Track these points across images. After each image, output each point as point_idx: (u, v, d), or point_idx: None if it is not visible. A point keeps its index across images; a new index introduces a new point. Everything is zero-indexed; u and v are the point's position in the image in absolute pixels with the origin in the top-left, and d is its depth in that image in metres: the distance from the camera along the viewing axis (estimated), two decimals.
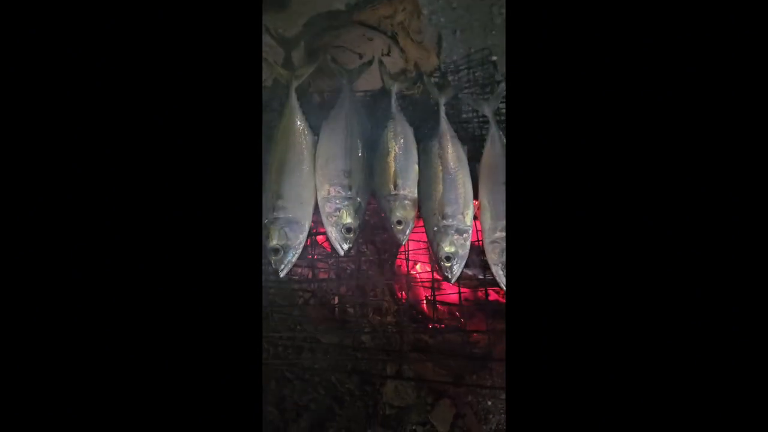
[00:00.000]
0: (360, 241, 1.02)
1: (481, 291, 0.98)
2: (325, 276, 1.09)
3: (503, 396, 1.06)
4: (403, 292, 0.99)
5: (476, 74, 1.24)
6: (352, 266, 1.08)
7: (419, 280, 1.02)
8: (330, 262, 1.06)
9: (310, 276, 1.06)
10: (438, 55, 1.23)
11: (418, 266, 1.06)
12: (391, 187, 0.89)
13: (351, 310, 1.11)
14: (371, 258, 1.02)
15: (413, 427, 1.05)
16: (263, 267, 0.87)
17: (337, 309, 1.08)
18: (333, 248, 0.89)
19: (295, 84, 0.99)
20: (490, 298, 0.94)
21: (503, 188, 0.87)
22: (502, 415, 1.05)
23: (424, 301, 1.01)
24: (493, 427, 1.04)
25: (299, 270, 1.05)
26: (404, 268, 0.97)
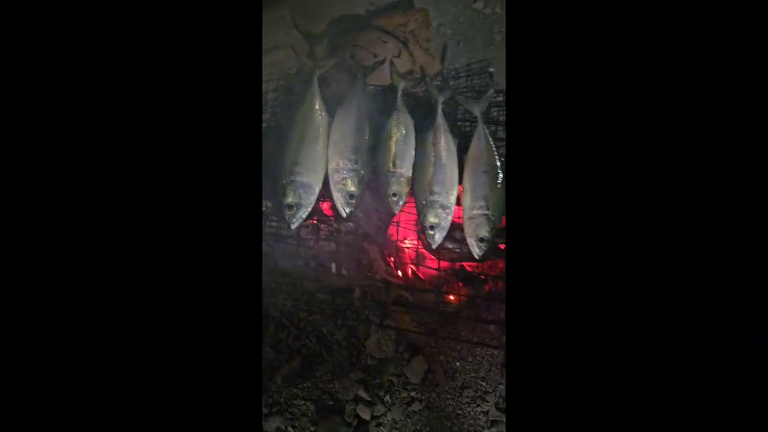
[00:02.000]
0: (360, 215, 1.19)
1: (457, 264, 1.15)
2: (326, 241, 1.26)
3: (470, 358, 1.22)
4: (392, 257, 1.16)
5: (473, 81, 1.42)
6: (351, 236, 1.25)
7: (406, 250, 1.19)
8: (332, 229, 1.22)
9: (312, 243, 1.23)
10: (442, 61, 1.40)
11: (407, 241, 1.23)
12: (390, 165, 1.06)
13: (345, 273, 1.28)
14: (367, 228, 1.19)
15: (390, 377, 1.21)
16: (270, 229, 1.03)
17: (333, 270, 1.24)
18: (336, 211, 1.06)
19: (317, 73, 1.16)
20: (464, 267, 1.11)
21: (484, 176, 1.04)
22: (469, 375, 1.21)
23: (410, 268, 1.18)
24: (459, 384, 1.20)
25: (304, 235, 1.22)
26: (395, 237, 1.14)
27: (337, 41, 1.26)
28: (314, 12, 1.39)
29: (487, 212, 1.00)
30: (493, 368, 1.20)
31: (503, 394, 1.17)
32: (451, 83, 1.39)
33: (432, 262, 1.16)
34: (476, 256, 1.01)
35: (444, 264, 1.16)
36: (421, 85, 1.28)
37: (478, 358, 1.22)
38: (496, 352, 1.21)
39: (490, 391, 1.18)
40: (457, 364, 1.22)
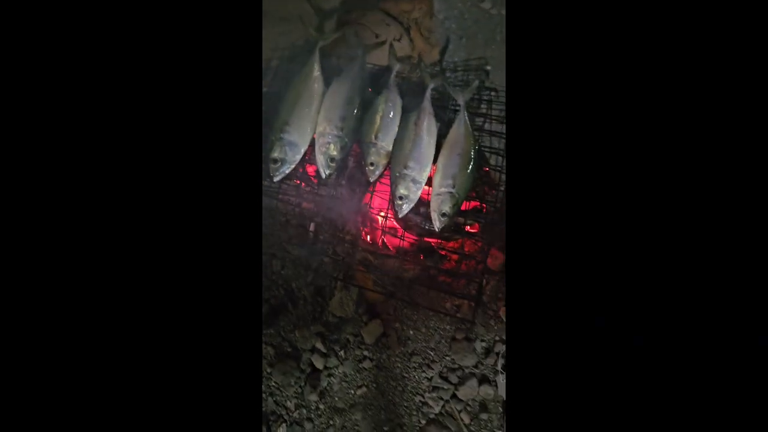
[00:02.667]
0: (342, 182, 1.28)
1: (425, 238, 1.24)
2: (306, 204, 1.35)
3: (423, 329, 1.31)
4: (364, 223, 1.25)
5: (469, 77, 1.50)
6: (329, 200, 1.34)
7: (379, 219, 1.28)
8: (315, 191, 1.31)
9: (293, 201, 1.31)
10: (442, 53, 1.48)
11: (381, 212, 1.32)
12: (373, 137, 1.15)
13: (320, 234, 1.37)
14: (345, 194, 1.27)
15: (347, 335, 1.30)
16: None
17: (311, 229, 1.33)
18: (317, 173, 1.15)
19: (320, 44, 1.25)
20: (425, 240, 1.20)
21: (457, 158, 1.13)
22: (419, 344, 1.30)
23: (379, 235, 1.27)
24: (409, 351, 1.29)
25: (285, 196, 1.31)
26: (371, 205, 1.23)
27: (345, 18, 1.34)
28: None
29: (452, 190, 1.09)
30: (443, 341, 1.29)
31: (449, 364, 1.26)
32: (446, 74, 1.47)
33: (400, 232, 1.25)
34: (436, 229, 1.09)
35: (410, 237, 1.25)
36: (417, 71, 1.36)
37: (430, 330, 1.31)
38: (448, 327, 1.30)
39: (437, 360, 1.27)
40: (411, 332, 1.32)
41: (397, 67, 1.26)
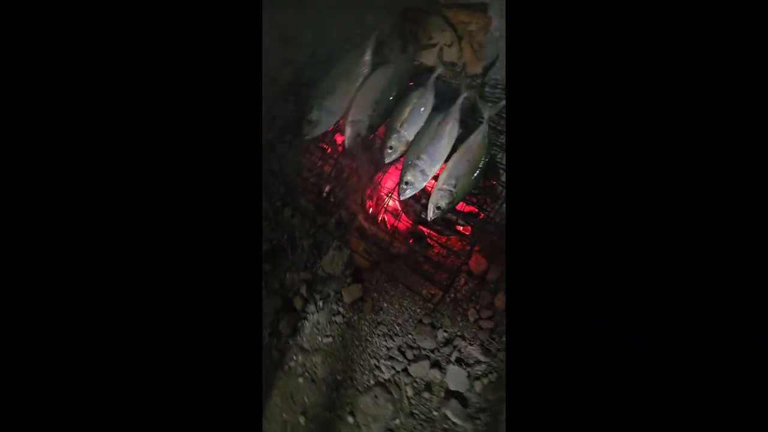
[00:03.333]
0: (363, 157, 1.42)
1: (419, 226, 1.38)
2: (327, 167, 1.50)
3: (397, 305, 1.45)
4: (371, 199, 1.39)
5: (504, 96, 1.60)
6: (348, 169, 1.48)
7: (385, 198, 1.42)
8: (337, 157, 1.46)
9: (317, 162, 1.47)
10: (487, 67, 1.60)
11: (388, 194, 1.46)
12: (398, 125, 1.29)
13: (332, 199, 1.53)
14: (362, 169, 1.42)
15: (329, 291, 1.46)
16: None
17: (325, 190, 1.49)
18: (344, 142, 1.30)
19: (377, 32, 1.38)
20: (419, 227, 1.34)
21: (466, 163, 1.25)
22: (389, 316, 1.44)
23: (381, 212, 1.42)
24: (378, 320, 1.44)
25: (312, 156, 1.46)
26: (382, 184, 1.37)
27: (406, 14, 1.47)
28: None
29: (452, 189, 1.22)
30: (410, 321, 1.43)
31: (409, 342, 1.40)
32: (486, 88, 1.59)
33: (399, 213, 1.39)
34: (429, 219, 1.23)
35: (406, 220, 1.38)
36: (458, 78, 1.48)
37: (402, 308, 1.45)
38: (418, 310, 1.44)
39: (400, 335, 1.42)
40: (385, 304, 1.46)
41: (440, 69, 1.39)
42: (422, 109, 1.32)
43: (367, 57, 1.36)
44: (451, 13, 1.47)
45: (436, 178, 1.28)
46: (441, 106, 1.36)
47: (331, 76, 1.33)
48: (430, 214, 1.23)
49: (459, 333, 1.40)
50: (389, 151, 1.27)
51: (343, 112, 1.31)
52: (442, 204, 1.21)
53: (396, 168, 1.34)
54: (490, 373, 1.34)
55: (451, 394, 1.32)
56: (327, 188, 1.52)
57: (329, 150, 1.41)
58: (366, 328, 1.43)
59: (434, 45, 1.42)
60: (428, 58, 1.44)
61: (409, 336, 1.41)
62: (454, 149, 1.30)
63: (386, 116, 1.31)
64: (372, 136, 1.31)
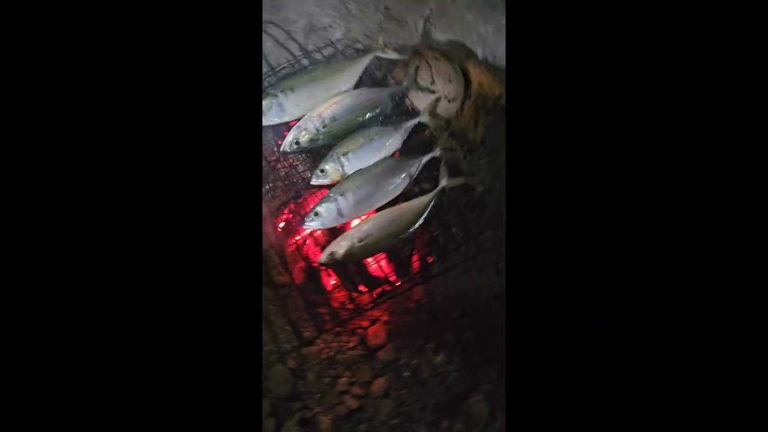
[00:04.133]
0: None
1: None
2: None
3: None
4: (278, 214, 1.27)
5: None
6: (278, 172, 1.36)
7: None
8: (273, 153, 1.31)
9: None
10: (480, 143, 1.44)
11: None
12: (343, 152, 1.16)
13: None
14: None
15: None
16: None
17: None
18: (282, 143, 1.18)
19: (377, 53, 1.27)
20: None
21: (389, 224, 1.11)
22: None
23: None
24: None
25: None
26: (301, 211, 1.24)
27: (421, 48, 1.34)
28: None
29: (358, 244, 1.08)
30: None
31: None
32: (464, 159, 1.43)
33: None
34: (318, 261, 1.10)
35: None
36: (442, 138, 1.33)
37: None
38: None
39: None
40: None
41: (426, 119, 1.26)
42: (378, 150, 1.19)
43: (356, 71, 1.24)
44: (473, 68, 1.33)
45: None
46: (405, 154, 1.23)
47: (307, 74, 1.22)
48: (322, 257, 1.09)
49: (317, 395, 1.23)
50: (319, 173, 1.15)
51: (297, 115, 1.19)
52: (337, 252, 1.08)
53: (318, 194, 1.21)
54: None
55: None
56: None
57: (279, 141, 1.28)
58: None
59: (432, 92, 1.29)
60: (418, 101, 1.30)
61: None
62: (389, 205, 1.16)
63: (335, 138, 1.18)
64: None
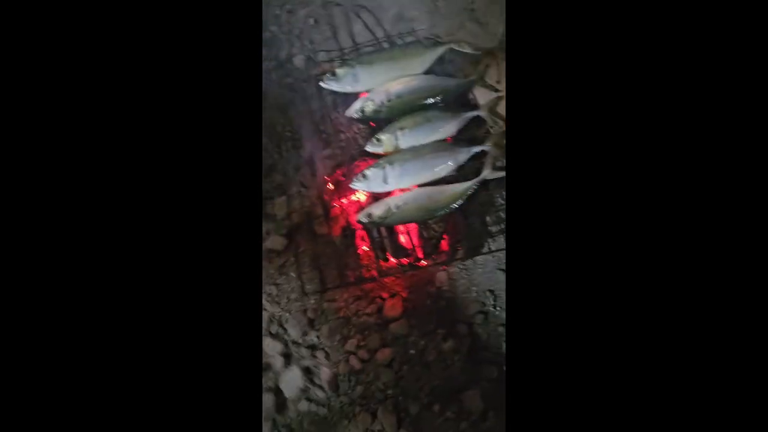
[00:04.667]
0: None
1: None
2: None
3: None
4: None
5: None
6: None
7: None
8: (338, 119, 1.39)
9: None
10: None
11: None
12: (401, 126, 1.24)
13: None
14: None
15: None
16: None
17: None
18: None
19: (454, 46, 1.34)
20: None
21: (425, 199, 1.16)
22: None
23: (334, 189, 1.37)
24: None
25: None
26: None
27: (496, 50, 1.39)
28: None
29: (394, 210, 1.14)
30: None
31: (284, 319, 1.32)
32: None
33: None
34: (357, 217, 1.18)
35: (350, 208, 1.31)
36: (494, 128, 1.36)
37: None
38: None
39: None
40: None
41: (483, 113, 1.30)
42: (433, 132, 1.25)
43: (431, 57, 1.32)
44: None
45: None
46: (458, 138, 1.28)
47: (386, 52, 1.32)
48: (360, 216, 1.16)
49: (326, 348, 1.30)
50: (375, 141, 1.23)
51: (366, 87, 1.29)
52: (375, 214, 1.14)
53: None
54: (321, 406, 1.22)
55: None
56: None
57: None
58: None
59: (496, 90, 1.32)
60: (481, 97, 1.35)
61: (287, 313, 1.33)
62: (433, 183, 1.21)
63: (398, 113, 1.26)
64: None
